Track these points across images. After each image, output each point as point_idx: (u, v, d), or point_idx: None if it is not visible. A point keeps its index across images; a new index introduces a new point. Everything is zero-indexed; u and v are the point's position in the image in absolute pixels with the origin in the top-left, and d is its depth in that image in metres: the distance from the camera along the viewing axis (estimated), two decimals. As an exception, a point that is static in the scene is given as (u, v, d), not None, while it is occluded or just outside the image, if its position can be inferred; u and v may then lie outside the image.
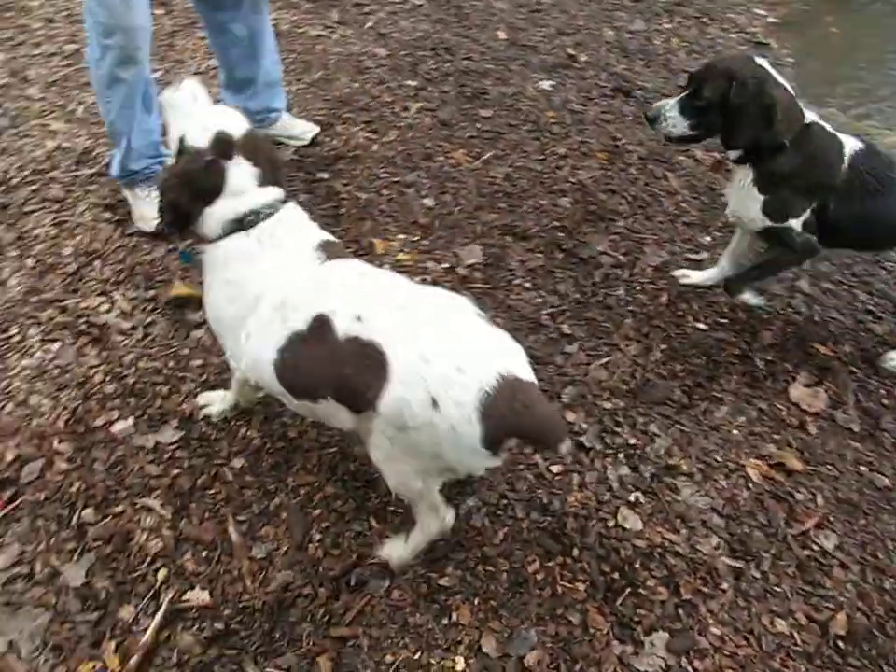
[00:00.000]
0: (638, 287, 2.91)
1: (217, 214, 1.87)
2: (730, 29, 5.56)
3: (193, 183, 1.84)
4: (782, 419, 2.59)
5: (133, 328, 2.64)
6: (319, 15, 4.53)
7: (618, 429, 2.44)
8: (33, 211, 3.12)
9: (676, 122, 2.41)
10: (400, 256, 2.89)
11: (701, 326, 2.82)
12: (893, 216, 2.44)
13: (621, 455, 2.37)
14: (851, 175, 2.37)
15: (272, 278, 1.84)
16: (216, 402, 2.35)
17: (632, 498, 2.26)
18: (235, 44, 3.05)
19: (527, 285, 2.85)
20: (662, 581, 2.10)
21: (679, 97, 2.43)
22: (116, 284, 2.80)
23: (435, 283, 2.81)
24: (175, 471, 2.22)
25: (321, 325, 1.70)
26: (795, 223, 2.46)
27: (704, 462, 2.41)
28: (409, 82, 3.95)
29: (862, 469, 2.50)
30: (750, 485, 2.38)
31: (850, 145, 2.40)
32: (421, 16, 4.63)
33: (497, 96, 3.87)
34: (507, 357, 1.61)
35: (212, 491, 2.19)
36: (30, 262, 2.89)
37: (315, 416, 1.98)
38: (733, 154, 2.48)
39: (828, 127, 2.44)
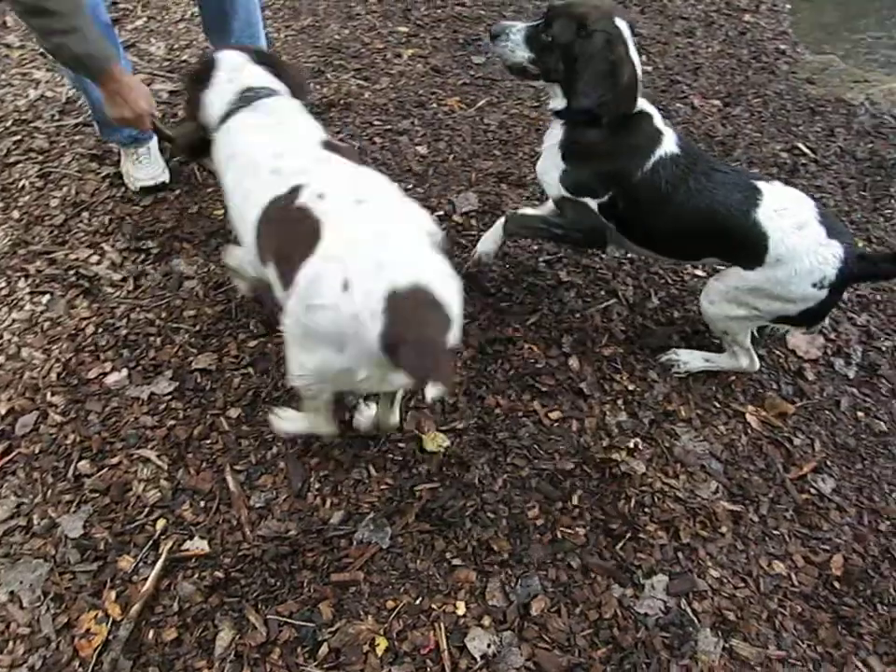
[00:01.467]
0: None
1: (216, 94, 2.02)
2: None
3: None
4: (781, 365, 2.59)
5: (124, 279, 2.59)
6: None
7: (616, 376, 2.43)
8: (17, 162, 3.05)
9: (516, 48, 2.20)
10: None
11: (699, 273, 2.80)
12: (679, 228, 2.25)
13: (619, 402, 2.37)
14: (650, 175, 2.19)
15: (274, 146, 1.88)
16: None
17: (631, 444, 2.26)
18: None
19: (524, 243, 2.82)
20: (661, 525, 2.10)
21: (529, 23, 2.21)
22: (105, 235, 2.74)
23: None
24: (171, 422, 2.20)
25: (293, 192, 1.71)
26: (592, 203, 2.30)
27: (702, 408, 2.41)
28: (400, 28, 3.86)
29: (859, 414, 2.51)
30: (749, 431, 2.38)
31: (667, 146, 2.20)
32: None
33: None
34: (434, 277, 1.54)
35: (208, 441, 2.17)
36: (16, 214, 2.83)
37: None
38: (553, 104, 2.28)
39: (656, 121, 2.24)
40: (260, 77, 2.08)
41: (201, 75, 2.10)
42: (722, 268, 2.34)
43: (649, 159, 2.19)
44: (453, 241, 2.74)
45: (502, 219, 2.47)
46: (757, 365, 2.48)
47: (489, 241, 2.52)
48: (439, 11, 4.01)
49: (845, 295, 2.80)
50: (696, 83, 3.91)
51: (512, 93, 3.47)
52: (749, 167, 3.31)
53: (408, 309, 1.49)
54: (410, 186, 2.92)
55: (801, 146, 3.51)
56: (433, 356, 1.50)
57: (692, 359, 2.49)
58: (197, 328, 2.45)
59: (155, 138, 2.91)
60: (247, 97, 2.00)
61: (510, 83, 3.54)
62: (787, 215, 2.15)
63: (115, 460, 2.10)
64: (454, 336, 1.56)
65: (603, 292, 2.67)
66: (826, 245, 2.13)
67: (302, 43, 3.71)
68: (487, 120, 3.28)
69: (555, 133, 2.30)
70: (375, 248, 1.57)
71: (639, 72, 2.17)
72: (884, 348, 2.70)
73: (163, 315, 2.48)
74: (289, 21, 3.88)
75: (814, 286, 2.15)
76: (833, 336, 2.69)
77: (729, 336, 2.40)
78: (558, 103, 2.25)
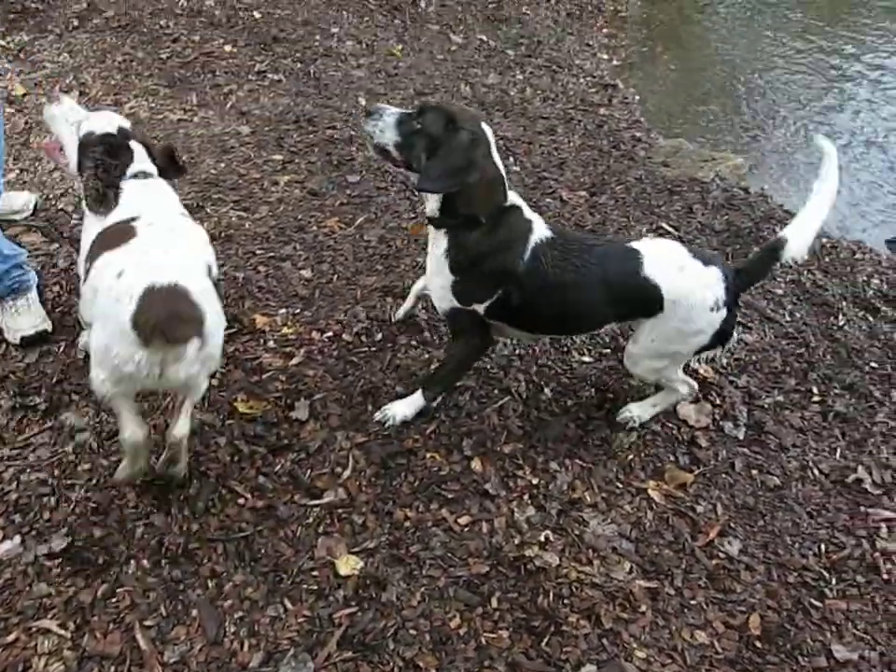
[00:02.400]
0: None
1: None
2: (578, 74, 5.86)
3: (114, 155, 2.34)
4: (675, 437, 2.70)
5: (11, 439, 2.51)
6: (178, 99, 4.51)
7: (519, 472, 2.48)
8: None
9: (386, 129, 2.30)
10: (284, 330, 2.88)
11: (586, 359, 2.92)
12: (575, 304, 2.41)
13: (525, 497, 2.41)
14: (533, 263, 2.31)
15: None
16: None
17: (542, 538, 2.29)
18: None
19: (413, 342, 2.89)
20: (582, 614, 2.13)
21: (402, 110, 2.37)
22: (-12, 396, 2.67)
23: (321, 352, 2.81)
24: (71, 586, 2.11)
25: (133, 219, 2.17)
26: (479, 308, 2.41)
27: (606, 491, 2.48)
28: (275, 157, 3.97)
29: (753, 472, 2.63)
30: (654, 506, 2.46)
31: (538, 231, 2.35)
32: (281, 91, 4.68)
33: (363, 161, 3.94)
34: (194, 287, 1.95)
35: (114, 600, 2.08)
36: None
37: None
38: (430, 209, 2.36)
39: (525, 212, 2.38)
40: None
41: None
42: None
43: (526, 248, 2.31)
44: (344, 360, 2.79)
45: (419, 391, 2.57)
46: (695, 386, 2.68)
47: (408, 408, 2.59)
48: (311, 136, 4.16)
49: (724, 360, 2.98)
50: (563, 177, 4.15)
51: (389, 208, 3.60)
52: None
53: (159, 299, 1.87)
54: (297, 310, 2.97)
55: (664, 225, 3.74)
56: (172, 331, 1.87)
57: (642, 411, 2.68)
58: (93, 481, 2.39)
59: (35, 289, 2.90)
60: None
61: (385, 198, 3.67)
62: (666, 262, 2.37)
63: (11, 637, 1.99)
64: (203, 337, 1.95)
65: (496, 391, 2.74)
66: (706, 274, 2.37)
67: (179, 180, 3.76)
68: (367, 237, 3.39)
69: (439, 243, 2.38)
70: (157, 257, 2.01)
71: (502, 171, 2.32)
72: (766, 405, 2.86)
73: (56, 472, 2.41)
74: (165, 161, 3.93)
75: (712, 310, 2.37)
76: (718, 401, 2.83)
77: (664, 379, 2.59)
78: (433, 208, 2.34)
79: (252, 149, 4.04)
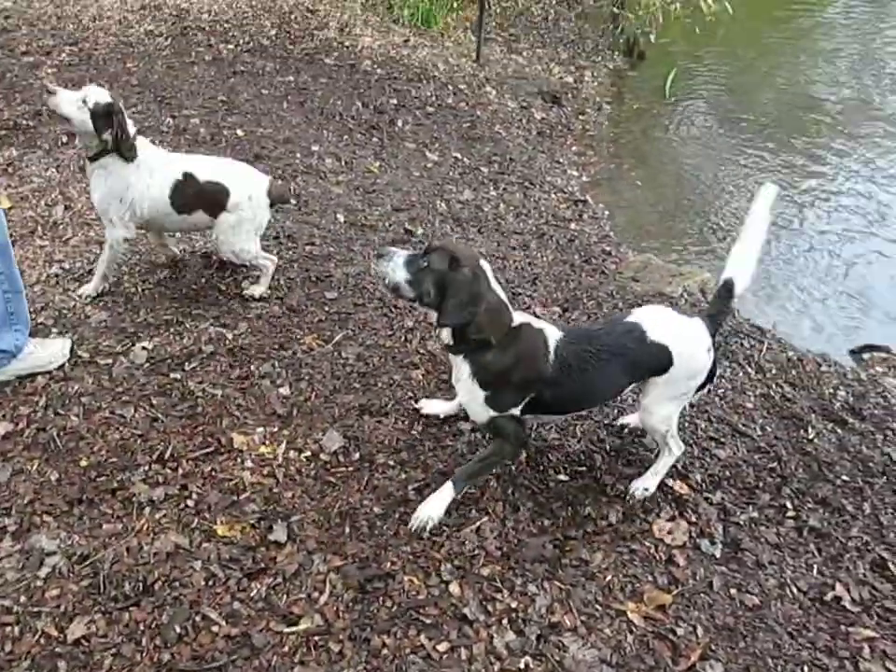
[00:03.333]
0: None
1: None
2: (550, 191, 6.10)
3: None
4: (652, 556, 2.70)
5: (-21, 566, 2.46)
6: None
7: (498, 595, 2.45)
8: None
9: (396, 269, 2.51)
10: (262, 449, 2.88)
11: (562, 477, 2.94)
12: (600, 383, 2.74)
13: (504, 621, 2.38)
14: (558, 363, 2.60)
15: None
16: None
17: (522, 664, 2.26)
18: None
19: (391, 462, 2.89)
20: (563, 747, 2.08)
21: (410, 252, 2.60)
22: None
23: (299, 472, 2.81)
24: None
25: None
26: (516, 410, 2.67)
27: (586, 614, 2.45)
28: (254, 272, 4.05)
29: (732, 591, 2.63)
30: (633, 629, 2.44)
31: (553, 336, 2.62)
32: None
33: (341, 277, 4.03)
34: None
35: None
36: None
37: None
38: (445, 338, 2.61)
39: (534, 323, 2.65)
40: None
41: None
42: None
43: (548, 352, 2.60)
44: (322, 480, 2.79)
45: (450, 483, 2.69)
46: (682, 446, 2.98)
47: (438, 506, 2.68)
48: (290, 253, 4.25)
49: (698, 476, 3.02)
50: (536, 293, 4.26)
51: (367, 325, 3.66)
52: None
53: None
54: (275, 429, 2.98)
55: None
56: None
57: (648, 483, 2.93)
58: (62, 608, 2.33)
59: None
60: None
61: (363, 315, 3.74)
62: (661, 324, 2.73)
63: None
64: None
65: (474, 511, 2.74)
66: (695, 325, 2.77)
67: (160, 295, 3.82)
68: (345, 354, 3.43)
69: (462, 368, 2.62)
70: None
71: (503, 297, 2.58)
72: (741, 522, 2.88)
73: (22, 599, 2.35)
74: (146, 276, 3.99)
75: (707, 351, 2.76)
76: (694, 519, 2.85)
77: (669, 432, 2.87)
78: (447, 337, 2.60)
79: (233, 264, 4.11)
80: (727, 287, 2.84)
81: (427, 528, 2.63)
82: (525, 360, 2.58)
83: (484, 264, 2.55)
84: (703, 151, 7.57)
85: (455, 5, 9.14)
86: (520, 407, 2.66)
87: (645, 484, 2.91)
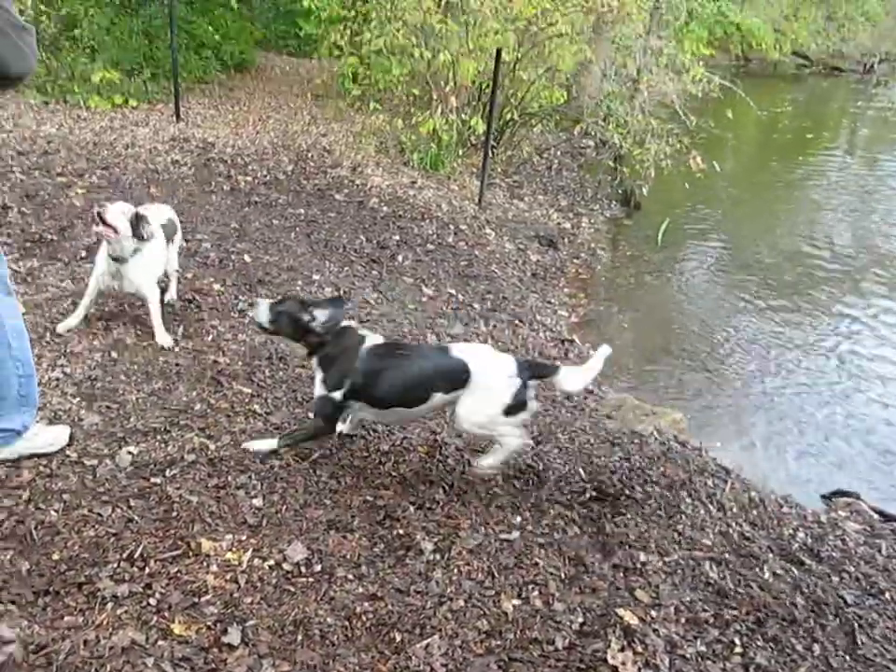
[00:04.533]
0: (455, 570, 3.12)
1: None
2: (538, 329, 6.39)
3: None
4: (598, 684, 2.75)
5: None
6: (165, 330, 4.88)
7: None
8: None
9: (262, 313, 3.60)
10: (228, 555, 3.00)
11: (515, 601, 3.03)
12: (405, 382, 3.52)
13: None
14: (368, 358, 3.51)
15: None
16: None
17: None
18: None
19: (350, 576, 3.00)
20: None
21: (272, 300, 3.69)
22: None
23: (261, 580, 2.92)
24: None
25: None
26: (337, 395, 3.51)
27: (524, 735, 2.50)
28: (244, 389, 4.26)
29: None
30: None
31: (371, 340, 3.60)
32: (258, 329, 5.08)
33: (326, 398, 4.23)
34: None
35: None
36: None
37: None
38: (300, 353, 3.76)
39: (360, 330, 3.74)
40: None
41: None
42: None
43: (360, 349, 3.54)
44: (281, 588, 2.90)
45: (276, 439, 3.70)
46: (528, 440, 3.93)
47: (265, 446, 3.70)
48: (280, 373, 4.48)
49: (648, 608, 3.09)
50: (512, 424, 4.44)
51: (344, 445, 3.84)
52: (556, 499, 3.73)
53: None
54: (244, 537, 3.11)
55: (605, 479, 3.97)
56: None
57: (488, 461, 3.64)
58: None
59: None
60: None
61: (345, 437, 3.92)
62: (468, 348, 3.69)
63: None
64: None
65: (428, 627, 2.82)
66: (503, 356, 3.62)
67: (152, 405, 4.02)
68: (320, 472, 3.59)
69: (314, 363, 3.65)
70: None
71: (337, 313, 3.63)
72: (688, 655, 2.93)
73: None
74: (141, 384, 4.21)
75: (509, 377, 3.45)
76: (640, 649, 2.91)
77: (495, 433, 3.58)
78: (301, 351, 3.72)
79: (225, 379, 4.34)
80: (554, 370, 3.62)
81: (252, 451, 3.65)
82: (344, 354, 3.52)
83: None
84: (690, 297, 7.95)
85: (461, 151, 9.80)
86: (342, 391, 3.49)
87: (487, 462, 3.63)
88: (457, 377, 3.46)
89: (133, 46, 11.56)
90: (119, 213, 4.27)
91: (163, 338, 4.64)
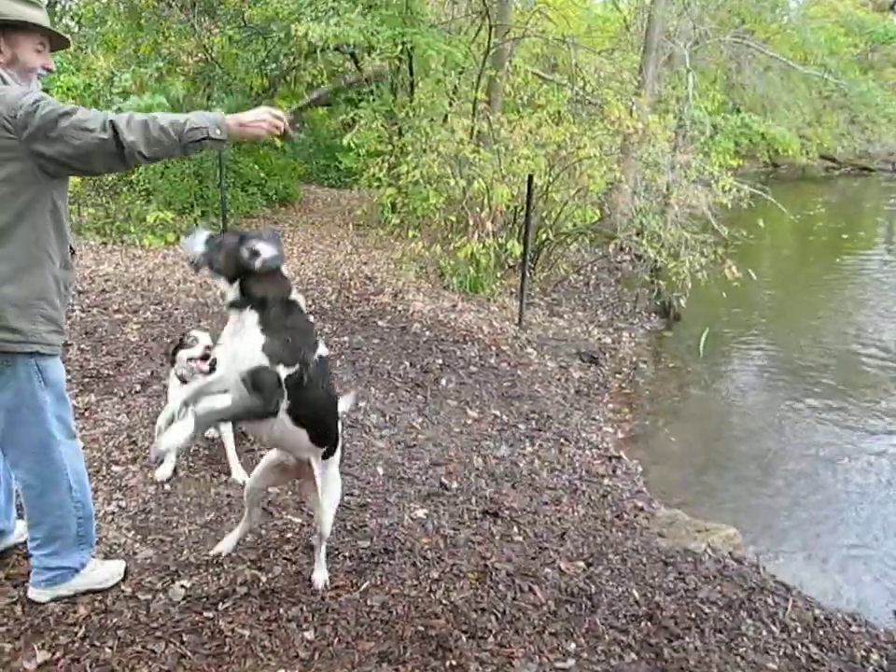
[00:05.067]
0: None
1: None
2: (584, 447, 6.35)
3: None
4: None
5: None
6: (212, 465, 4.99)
7: None
8: None
9: (197, 244, 3.06)
10: (281, 693, 2.98)
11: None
12: (319, 405, 3.21)
13: None
14: (317, 364, 3.08)
15: None
16: None
17: None
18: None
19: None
20: None
21: (211, 232, 3.19)
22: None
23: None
24: None
25: None
26: (282, 372, 2.96)
27: None
28: (294, 519, 4.30)
29: None
30: None
31: (321, 350, 3.12)
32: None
33: (375, 527, 4.25)
34: None
35: None
36: None
37: None
38: (230, 297, 3.06)
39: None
40: None
41: None
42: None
43: (318, 346, 3.12)
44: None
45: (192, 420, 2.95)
46: None
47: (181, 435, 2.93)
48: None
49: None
50: (563, 547, 4.39)
51: (394, 574, 3.83)
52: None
53: None
54: (296, 670, 3.09)
55: (660, 601, 3.88)
56: None
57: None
58: None
59: None
60: None
61: (392, 564, 3.91)
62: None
63: None
64: None
65: None
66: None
67: (204, 536, 4.07)
68: (370, 602, 3.57)
69: (249, 318, 2.99)
70: None
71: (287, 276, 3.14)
72: None
73: None
74: (194, 517, 4.28)
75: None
76: None
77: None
78: (233, 294, 3.05)
79: (275, 509, 4.39)
80: None
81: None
82: (299, 328, 3.06)
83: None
84: (736, 406, 7.88)
85: (499, 273, 10.05)
86: (287, 372, 2.97)
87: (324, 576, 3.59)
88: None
89: (185, 187, 12.28)
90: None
91: (239, 473, 4.64)
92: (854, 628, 3.92)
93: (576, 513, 4.96)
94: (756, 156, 25.75)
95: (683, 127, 12.86)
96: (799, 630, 3.79)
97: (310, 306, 8.34)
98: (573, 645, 3.43)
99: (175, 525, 4.12)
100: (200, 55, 13.59)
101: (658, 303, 10.64)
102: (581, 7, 16.80)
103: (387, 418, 5.97)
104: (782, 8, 18.35)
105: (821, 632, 3.82)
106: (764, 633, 3.72)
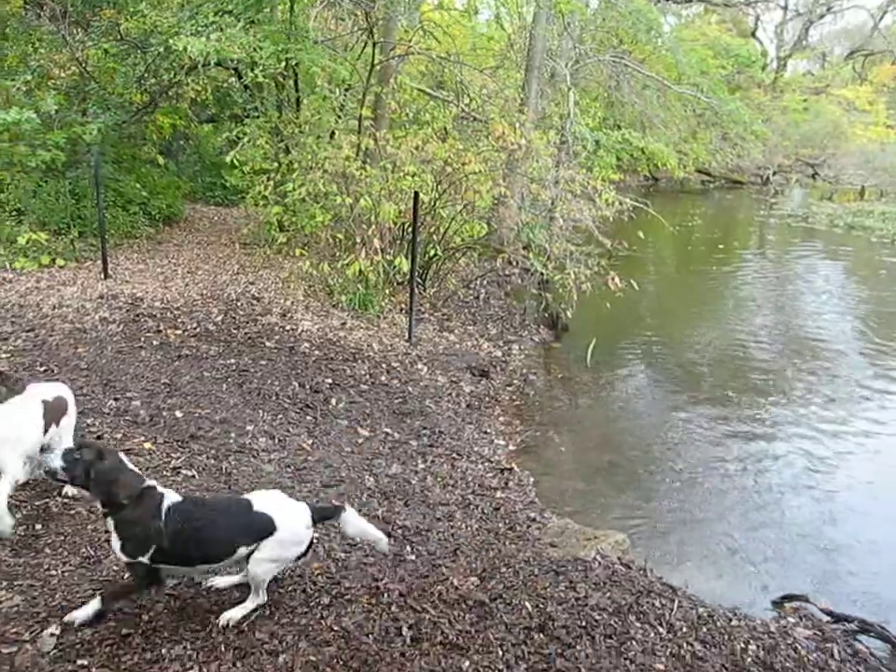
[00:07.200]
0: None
1: None
2: (477, 460, 6.39)
3: None
4: None
5: None
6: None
7: None
8: None
9: (55, 458, 3.42)
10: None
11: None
12: (209, 541, 3.48)
13: None
14: (169, 520, 3.38)
15: None
16: None
17: None
18: None
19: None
20: None
21: (68, 448, 3.58)
22: None
23: None
24: None
25: None
26: (144, 559, 3.37)
27: None
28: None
29: None
30: None
31: (168, 499, 3.46)
32: (192, 486, 4.97)
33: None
34: None
35: None
36: None
37: None
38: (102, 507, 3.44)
39: (159, 488, 3.51)
40: None
41: None
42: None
43: (161, 511, 3.40)
44: None
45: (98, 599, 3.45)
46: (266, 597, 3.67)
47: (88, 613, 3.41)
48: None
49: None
50: (456, 563, 4.38)
51: (281, 602, 3.73)
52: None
53: None
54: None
55: (552, 611, 3.92)
56: None
57: (236, 613, 3.53)
58: None
59: None
60: None
61: (280, 592, 3.81)
62: (271, 503, 3.63)
63: None
64: None
65: None
66: (299, 506, 3.71)
67: (79, 577, 3.86)
68: (259, 634, 3.46)
69: (110, 524, 3.42)
70: None
71: (135, 471, 3.53)
72: None
73: None
74: (68, 557, 4.04)
75: (307, 527, 3.64)
76: None
77: (264, 581, 3.58)
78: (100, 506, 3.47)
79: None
80: (337, 511, 3.82)
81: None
82: (146, 517, 3.37)
83: (121, 455, 3.54)
84: (624, 413, 8.12)
85: (388, 290, 10.03)
86: (148, 555, 3.37)
87: (233, 614, 3.53)
88: (264, 531, 3.53)
89: (61, 206, 11.68)
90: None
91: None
92: (734, 622, 4.07)
93: (469, 528, 4.98)
94: (637, 170, 26.73)
95: (566, 143, 13.20)
96: (684, 629, 3.90)
97: (195, 328, 8.13)
98: (467, 662, 3.42)
99: (46, 567, 3.88)
100: (73, 68, 12.99)
101: (546, 315, 10.84)
102: (467, 25, 17.08)
103: (276, 441, 5.84)
104: (656, 31, 19.16)
105: (705, 629, 3.94)
106: (652, 635, 3.82)
